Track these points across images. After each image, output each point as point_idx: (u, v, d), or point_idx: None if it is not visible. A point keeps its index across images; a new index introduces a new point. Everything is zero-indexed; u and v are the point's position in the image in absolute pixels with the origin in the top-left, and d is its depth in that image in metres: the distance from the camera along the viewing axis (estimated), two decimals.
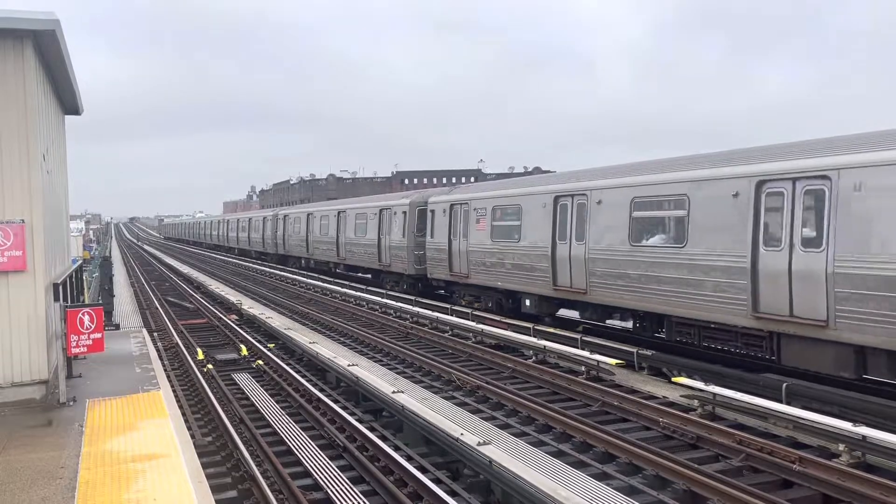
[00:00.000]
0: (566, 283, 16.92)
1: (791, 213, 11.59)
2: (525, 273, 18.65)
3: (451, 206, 23.03)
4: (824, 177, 11.07)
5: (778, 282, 11.69)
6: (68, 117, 17.13)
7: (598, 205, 15.98)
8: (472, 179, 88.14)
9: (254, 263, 47.19)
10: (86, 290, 23.47)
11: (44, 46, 11.50)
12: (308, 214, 40.11)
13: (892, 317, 10.09)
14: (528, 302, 19.03)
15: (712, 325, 13.20)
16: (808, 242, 11.35)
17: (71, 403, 11.03)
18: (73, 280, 16.46)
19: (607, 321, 17.62)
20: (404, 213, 26.88)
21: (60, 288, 12.38)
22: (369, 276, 33.51)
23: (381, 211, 29.00)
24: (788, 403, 10.81)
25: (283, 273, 38.19)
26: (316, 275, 35.74)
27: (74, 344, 11.47)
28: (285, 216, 45.21)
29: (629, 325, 16.96)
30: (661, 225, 14.66)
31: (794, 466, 8.69)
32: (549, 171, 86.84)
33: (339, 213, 34.46)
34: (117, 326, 20.39)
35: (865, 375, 11.09)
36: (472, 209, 21.78)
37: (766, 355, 12.41)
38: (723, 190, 12.86)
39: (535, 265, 18.22)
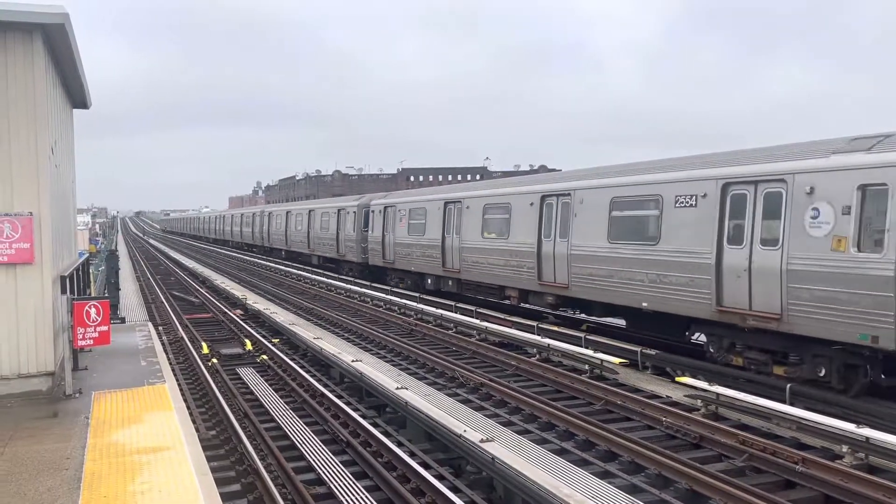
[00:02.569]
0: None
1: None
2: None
3: (269, 213, 50.28)
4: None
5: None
6: (76, 111, 17.20)
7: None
8: (478, 177, 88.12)
9: (259, 258, 47.42)
10: (92, 284, 23.55)
11: (53, 40, 11.53)
12: (232, 215, 68.43)
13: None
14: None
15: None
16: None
17: (77, 395, 11.08)
18: (80, 273, 16.53)
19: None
20: (263, 215, 52.64)
21: (67, 281, 12.42)
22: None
23: (261, 213, 54.30)
24: (792, 404, 10.82)
25: (288, 269, 38.28)
26: (321, 271, 35.89)
27: (81, 336, 11.53)
28: (241, 215, 64.40)
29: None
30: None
31: (797, 467, 8.69)
32: (554, 170, 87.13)
33: (242, 214, 63.21)
34: (123, 320, 20.47)
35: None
36: (280, 215, 46.69)
37: None
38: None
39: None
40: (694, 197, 13.65)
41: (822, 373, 11.48)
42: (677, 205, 13.98)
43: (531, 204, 18.60)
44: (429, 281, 24.90)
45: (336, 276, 32.88)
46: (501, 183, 23.63)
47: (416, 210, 25.73)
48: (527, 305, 19.58)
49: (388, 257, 27.73)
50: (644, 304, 14.62)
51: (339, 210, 33.97)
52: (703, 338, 14.18)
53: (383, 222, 28.18)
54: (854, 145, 11.32)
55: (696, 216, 13.49)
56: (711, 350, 13.50)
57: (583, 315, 18.74)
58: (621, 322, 17.83)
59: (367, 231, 30.30)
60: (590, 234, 16.17)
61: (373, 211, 29.61)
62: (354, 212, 31.69)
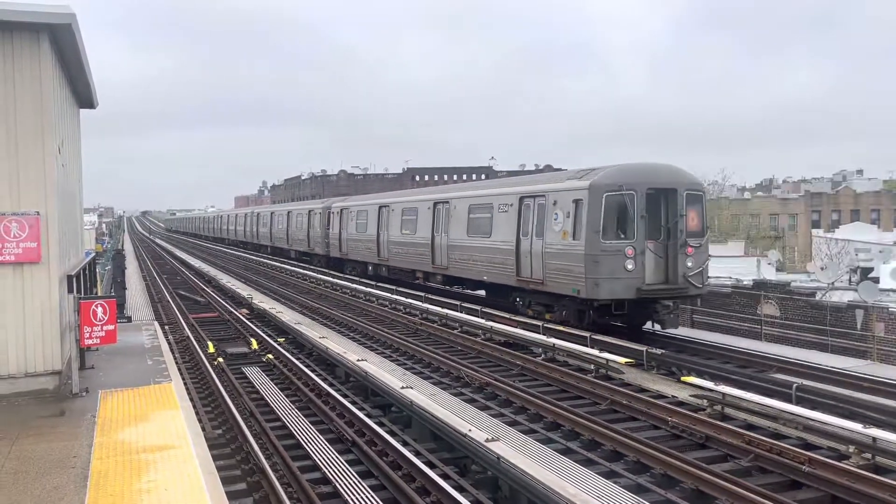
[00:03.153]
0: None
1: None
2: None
3: (257, 214, 56.75)
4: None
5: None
6: (83, 111, 17.26)
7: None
8: (484, 176, 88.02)
9: (264, 258, 47.50)
10: (98, 283, 23.63)
11: (60, 40, 11.59)
12: (228, 216, 75.23)
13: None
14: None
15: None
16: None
17: (84, 394, 11.13)
18: (87, 272, 16.59)
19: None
20: (252, 215, 59.37)
21: (74, 280, 12.47)
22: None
23: (251, 213, 60.64)
24: (798, 404, 10.80)
25: (293, 268, 38.32)
26: (327, 270, 35.96)
27: (87, 335, 11.56)
28: (235, 215, 70.79)
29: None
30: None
31: (804, 467, 8.67)
32: (560, 170, 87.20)
33: (235, 215, 69.38)
34: (129, 319, 20.50)
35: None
36: (266, 215, 53.07)
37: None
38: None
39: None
40: (507, 205, 19.96)
41: (565, 314, 17.63)
42: (499, 210, 20.42)
43: (428, 208, 25.16)
44: (370, 268, 31.80)
45: (342, 275, 33.02)
46: (414, 192, 30.84)
47: (361, 212, 32.06)
48: (431, 284, 26.09)
49: (344, 250, 34.53)
50: (485, 278, 21.30)
51: (309, 211, 40.77)
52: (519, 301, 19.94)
53: (340, 222, 34.85)
54: (577, 174, 17.74)
55: (507, 218, 19.82)
56: (520, 307, 19.75)
57: (467, 290, 25.79)
58: (482, 292, 24.31)
59: (329, 229, 36.72)
60: (459, 230, 22.87)
61: (333, 212, 36.10)
62: (320, 213, 38.10)
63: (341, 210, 34.75)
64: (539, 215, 18.27)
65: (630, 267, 16.17)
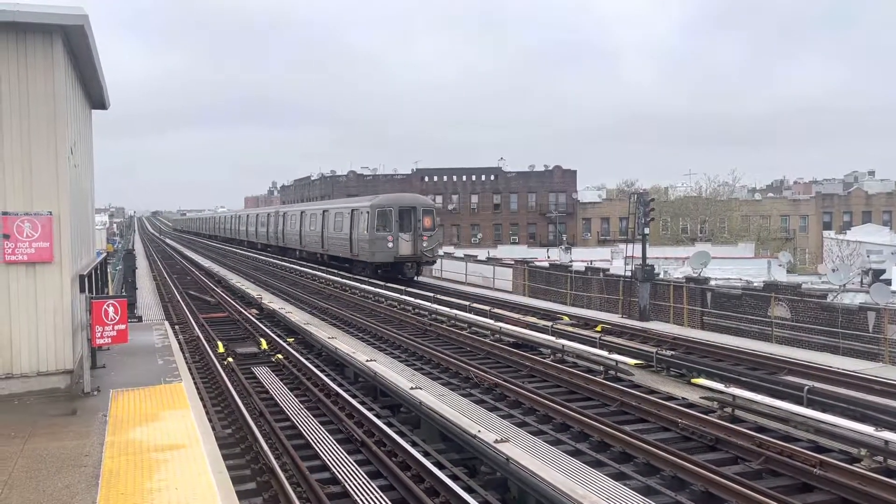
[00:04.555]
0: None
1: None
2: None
3: (239, 216, 75.06)
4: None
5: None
6: (95, 111, 17.36)
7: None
8: (493, 177, 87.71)
9: (272, 258, 47.72)
10: (110, 283, 23.75)
11: (72, 41, 11.65)
12: (220, 217, 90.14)
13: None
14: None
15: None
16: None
17: (95, 393, 11.19)
18: (98, 272, 16.67)
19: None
20: (236, 217, 77.19)
21: (86, 279, 12.54)
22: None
23: (235, 216, 78.36)
24: (809, 407, 10.74)
25: (303, 269, 38.45)
26: (335, 270, 36.07)
27: (99, 335, 11.61)
28: (225, 217, 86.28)
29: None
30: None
31: (815, 470, 8.63)
32: (568, 171, 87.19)
33: (225, 217, 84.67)
34: (140, 319, 20.58)
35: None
36: (243, 217, 71.84)
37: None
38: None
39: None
40: (347, 214, 34.97)
41: (367, 272, 32.42)
42: (346, 216, 35.11)
43: (320, 214, 40.16)
44: (297, 253, 45.97)
45: (350, 276, 33.23)
46: (318, 204, 47.96)
47: (293, 215, 47.36)
48: (322, 259, 40.23)
49: (285, 241, 49.50)
50: (340, 254, 36.18)
51: (268, 214, 57.14)
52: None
53: (283, 221, 50.02)
54: (369, 199, 34.13)
55: (349, 220, 34.66)
56: (353, 269, 34.47)
57: (345, 265, 37.06)
58: (347, 265, 36.16)
59: (277, 226, 51.80)
60: (332, 227, 37.75)
61: (279, 214, 51.76)
62: (273, 214, 54.21)
63: (284, 213, 50.65)
64: (357, 219, 33.68)
65: (390, 246, 31.51)
